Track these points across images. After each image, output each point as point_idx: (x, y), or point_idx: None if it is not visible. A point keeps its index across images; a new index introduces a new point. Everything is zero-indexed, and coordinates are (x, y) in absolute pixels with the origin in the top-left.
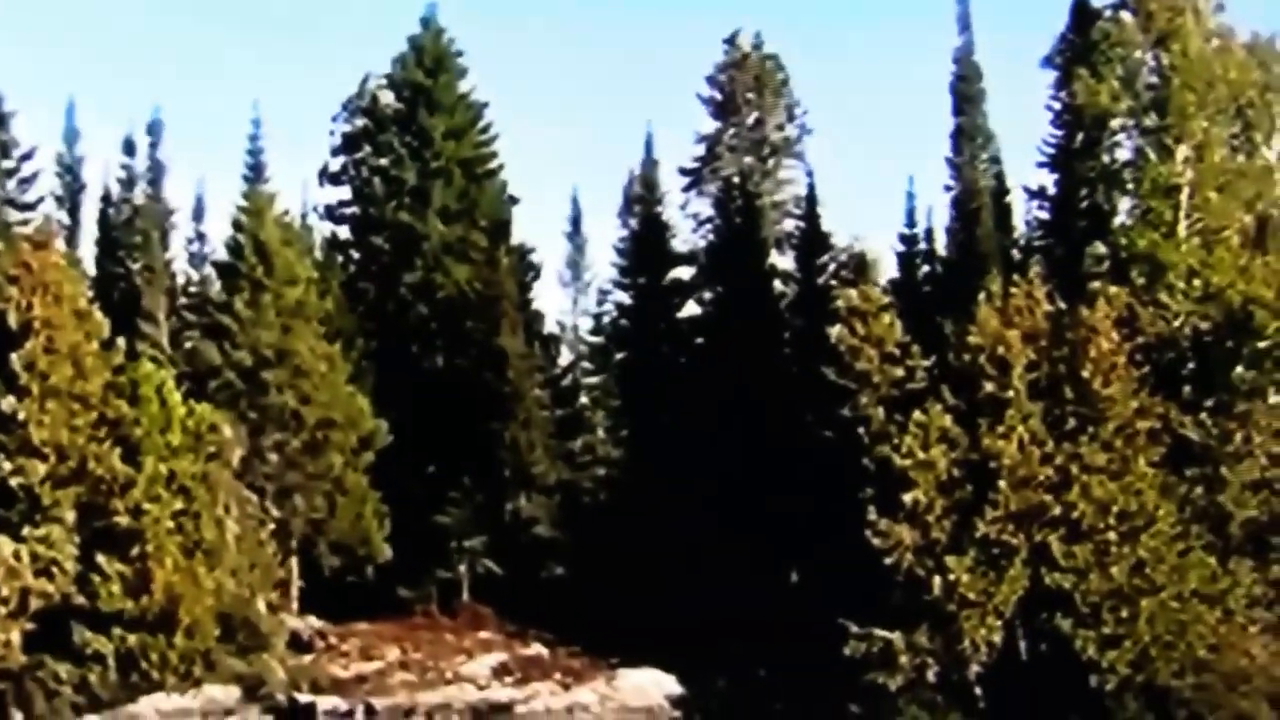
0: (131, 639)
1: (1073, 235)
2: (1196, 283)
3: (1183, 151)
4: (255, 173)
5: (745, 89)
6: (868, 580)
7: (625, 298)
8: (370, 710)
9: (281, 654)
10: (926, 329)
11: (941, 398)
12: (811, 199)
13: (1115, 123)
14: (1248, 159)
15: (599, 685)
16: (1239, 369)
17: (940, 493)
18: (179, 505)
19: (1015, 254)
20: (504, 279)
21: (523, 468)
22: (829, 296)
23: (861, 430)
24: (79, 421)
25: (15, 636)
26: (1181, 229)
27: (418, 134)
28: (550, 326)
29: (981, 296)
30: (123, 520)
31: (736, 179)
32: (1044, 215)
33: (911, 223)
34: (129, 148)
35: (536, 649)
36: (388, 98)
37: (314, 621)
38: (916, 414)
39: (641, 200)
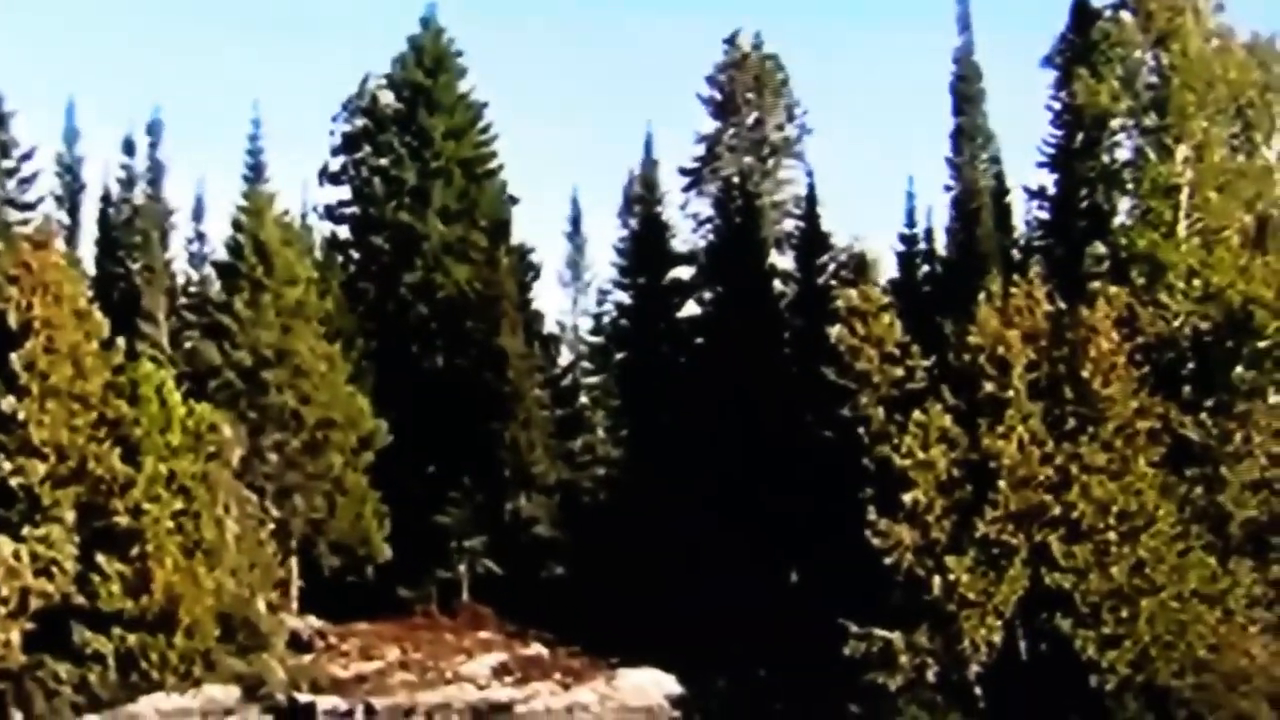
0: (131, 639)
1: (1073, 235)
2: (1196, 283)
3: (1182, 151)
4: (255, 173)
5: (745, 89)
6: (867, 580)
7: (625, 298)
8: (370, 710)
9: (281, 654)
10: (926, 329)
11: (941, 398)
12: (811, 199)
13: (1115, 123)
14: (1247, 159)
15: (599, 685)
16: (1239, 369)
17: (940, 493)
18: (179, 505)
19: (1015, 254)
20: (504, 279)
21: (523, 468)
22: (829, 296)
23: (861, 430)
24: (79, 421)
25: (15, 636)
26: (1181, 229)
27: (417, 134)
28: (550, 326)
29: (981, 296)
30: (122, 520)
31: (736, 179)
32: (1044, 215)
33: (911, 223)
34: (129, 147)
35: (536, 649)
36: (387, 98)
37: (314, 621)
38: (916, 414)
39: (641, 200)
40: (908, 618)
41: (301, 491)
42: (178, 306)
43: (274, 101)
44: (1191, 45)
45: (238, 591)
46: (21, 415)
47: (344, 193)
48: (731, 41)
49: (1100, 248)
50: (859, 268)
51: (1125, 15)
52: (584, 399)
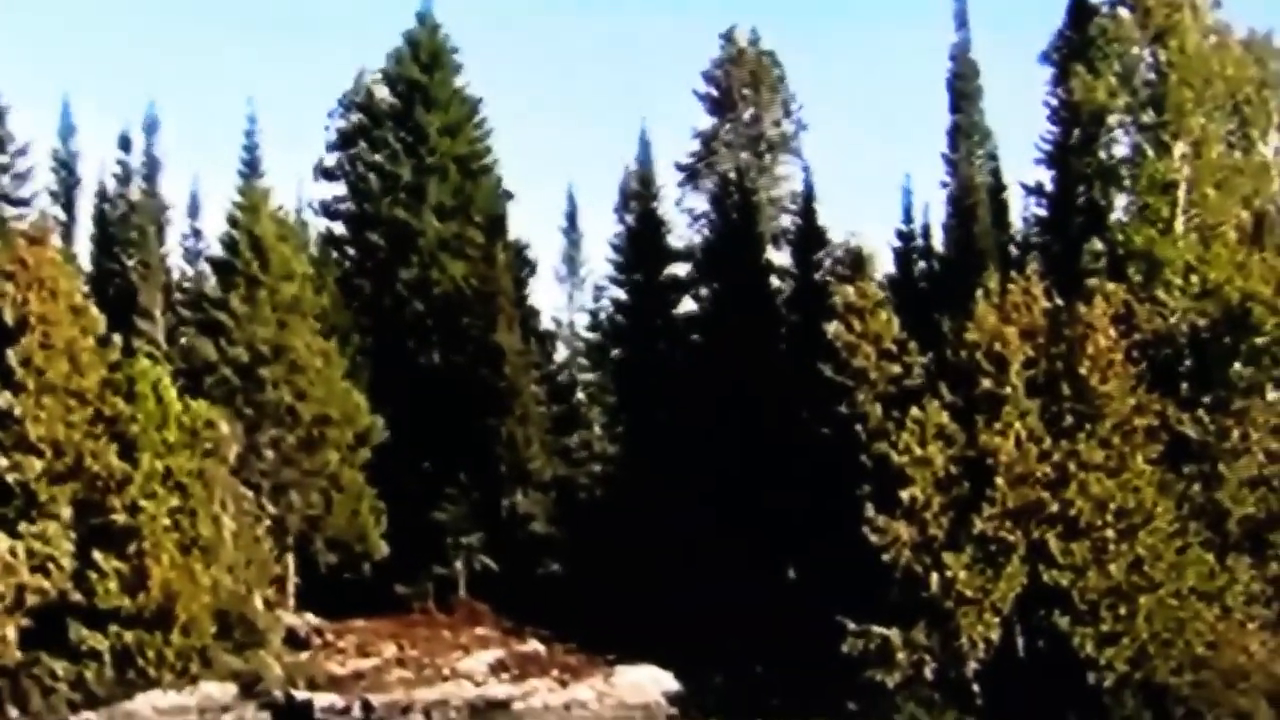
0: (128, 636)
1: (1070, 232)
2: (1194, 279)
3: (1180, 148)
4: (251, 168)
5: (742, 85)
6: (865, 577)
7: (621, 294)
8: (367, 707)
9: (278, 651)
10: (923, 325)
11: (939, 394)
12: (808, 195)
13: (1112, 119)
14: (1245, 155)
15: (596, 682)
16: (1237, 365)
17: (938, 489)
18: (175, 502)
19: (1012, 250)
20: (500, 275)
21: (519, 464)
22: (826, 293)
23: (859, 427)
24: (75, 418)
25: (11, 633)
26: (1179, 225)
27: (413, 130)
28: (546, 323)
29: (979, 293)
30: (119, 517)
31: (733, 175)
32: (1041, 212)
33: (908, 219)
34: (125, 143)
35: (534, 646)
36: (383, 94)
37: (311, 618)
38: (914, 411)
39: (638, 196)
40: (905, 615)
41: (298, 488)
42: (174, 302)
43: (270, 97)
44: (1189, 42)
45: (234, 588)
46: (18, 411)
47: (340, 189)
48: (728, 37)
49: (1098, 244)
50: (856, 264)
51: (1123, 11)
52: (580, 395)
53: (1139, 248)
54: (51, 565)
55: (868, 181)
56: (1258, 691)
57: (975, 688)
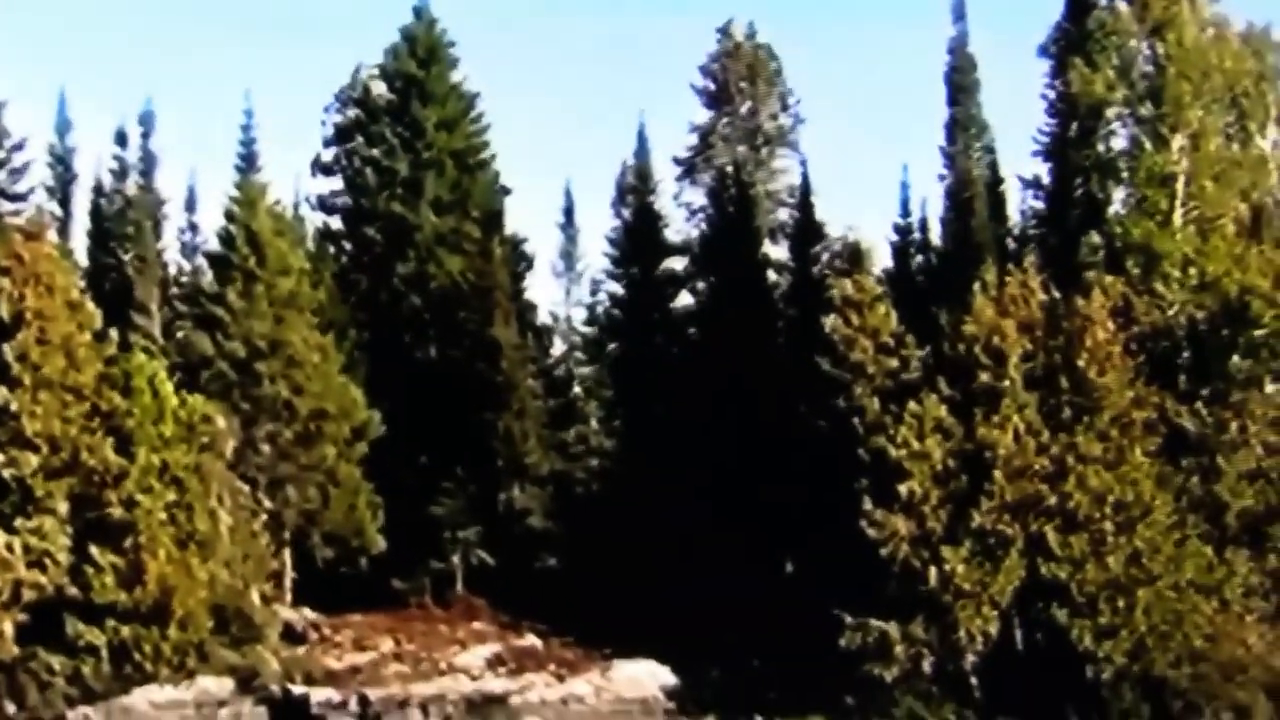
0: (124, 630)
1: (1068, 225)
2: (1192, 272)
3: (1178, 141)
4: (247, 163)
5: (739, 79)
6: (863, 571)
7: (618, 288)
8: (364, 701)
9: (275, 645)
10: (921, 319)
11: (936, 388)
12: (805, 189)
13: (1110, 112)
14: (1243, 148)
15: (593, 676)
16: (1235, 358)
17: (935, 483)
18: (172, 496)
19: (1010, 244)
20: (497, 270)
21: (516, 458)
22: (823, 287)
23: (856, 421)
24: (71, 413)
25: (8, 628)
26: (1177, 218)
27: (410, 125)
28: (543, 317)
29: (976, 286)
30: (115, 512)
31: (730, 169)
32: (1039, 205)
33: (906, 213)
34: (121, 138)
35: (530, 640)
36: (380, 88)
37: (307, 613)
38: (911, 404)
39: (634, 190)
40: (903, 608)
41: (295, 483)
42: (170, 297)
43: (266, 92)
44: (1187, 35)
45: (231, 583)
46: (14, 407)
47: (336, 183)
48: (725, 31)
49: (1095, 237)
50: (853, 258)
51: (1121, 4)
52: (577, 390)
53: (1137, 241)
54: (48, 560)
55: (865, 175)
56: (1256, 684)
57: (973, 681)
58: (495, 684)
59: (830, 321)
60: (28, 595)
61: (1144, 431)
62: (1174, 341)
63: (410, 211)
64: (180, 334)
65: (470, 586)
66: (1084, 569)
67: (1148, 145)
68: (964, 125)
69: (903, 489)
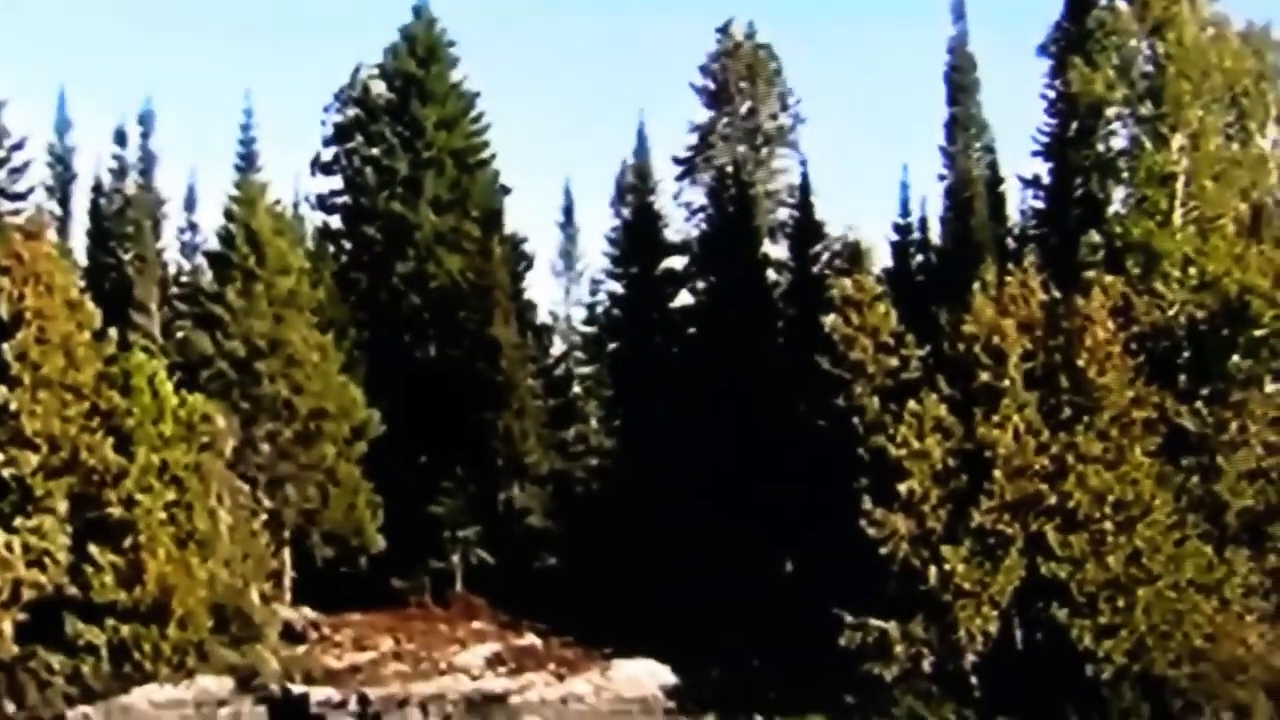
0: (124, 630)
1: (1067, 224)
2: (1192, 271)
3: (1178, 140)
4: (247, 162)
5: (738, 78)
6: (863, 570)
7: (618, 287)
8: (364, 701)
9: (275, 645)
10: (921, 318)
11: (936, 387)
12: (805, 188)
13: (1110, 111)
14: (1243, 147)
15: (593, 675)
16: (1235, 358)
17: (935, 482)
18: (171, 496)
19: (1010, 243)
20: (496, 269)
21: (515, 458)
22: (823, 286)
23: (856, 420)
24: (71, 412)
25: (8, 627)
26: (1177, 218)
27: (410, 124)
28: (543, 316)
29: (976, 286)
30: (115, 511)
31: (730, 168)
32: (1039, 204)
33: (906, 212)
34: (120, 138)
35: (530, 639)
36: (379, 88)
37: (307, 612)
38: (911, 403)
39: (634, 190)
40: (903, 608)
41: (294, 482)
42: (170, 296)
43: (266, 91)
44: (1187, 34)
45: (231, 582)
46: (14, 406)
47: (336, 183)
48: (725, 30)
49: (1095, 237)
50: (853, 257)
51: (1120, 3)
52: (577, 389)
53: (1137, 240)
54: (47, 559)
55: (865, 174)
56: (1256, 683)
57: (973, 680)
58: (495, 683)
59: (830, 321)
60: (27, 594)
61: (1144, 431)
62: (1174, 341)
63: (410, 211)
64: (180, 333)
65: (470, 586)
66: (1084, 568)
67: (1148, 145)
68: (964, 125)
69: (902, 488)
